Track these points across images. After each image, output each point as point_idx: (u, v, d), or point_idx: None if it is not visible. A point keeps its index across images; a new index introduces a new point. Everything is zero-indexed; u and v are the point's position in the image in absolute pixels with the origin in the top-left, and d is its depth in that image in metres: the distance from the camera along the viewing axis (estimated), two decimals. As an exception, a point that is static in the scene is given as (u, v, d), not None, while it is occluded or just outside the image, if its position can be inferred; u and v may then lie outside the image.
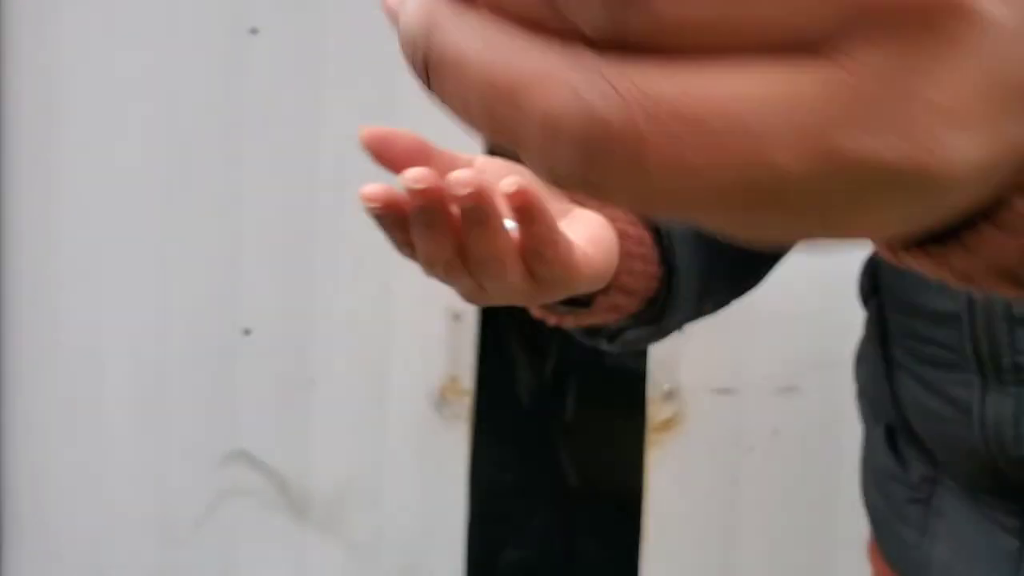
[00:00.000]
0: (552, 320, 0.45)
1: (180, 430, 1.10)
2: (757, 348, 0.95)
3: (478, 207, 0.33)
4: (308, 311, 1.06)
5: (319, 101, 1.04)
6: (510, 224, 0.35)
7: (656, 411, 0.95)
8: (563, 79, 0.10)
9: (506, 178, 0.34)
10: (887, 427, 0.56)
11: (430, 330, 1.02)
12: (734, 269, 0.50)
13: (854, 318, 0.87)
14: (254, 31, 1.04)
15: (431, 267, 0.38)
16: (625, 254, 0.41)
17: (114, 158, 1.09)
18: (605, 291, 0.42)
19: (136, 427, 1.11)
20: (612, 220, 0.41)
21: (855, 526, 0.90)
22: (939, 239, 0.13)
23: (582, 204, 0.41)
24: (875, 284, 0.56)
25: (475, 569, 1.07)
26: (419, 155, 0.38)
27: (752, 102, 0.10)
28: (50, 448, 1.14)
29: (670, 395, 0.94)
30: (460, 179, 0.33)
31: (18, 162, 1.11)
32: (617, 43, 0.10)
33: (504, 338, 1.57)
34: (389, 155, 0.39)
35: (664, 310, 0.45)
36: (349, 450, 1.07)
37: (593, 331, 0.46)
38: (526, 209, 0.34)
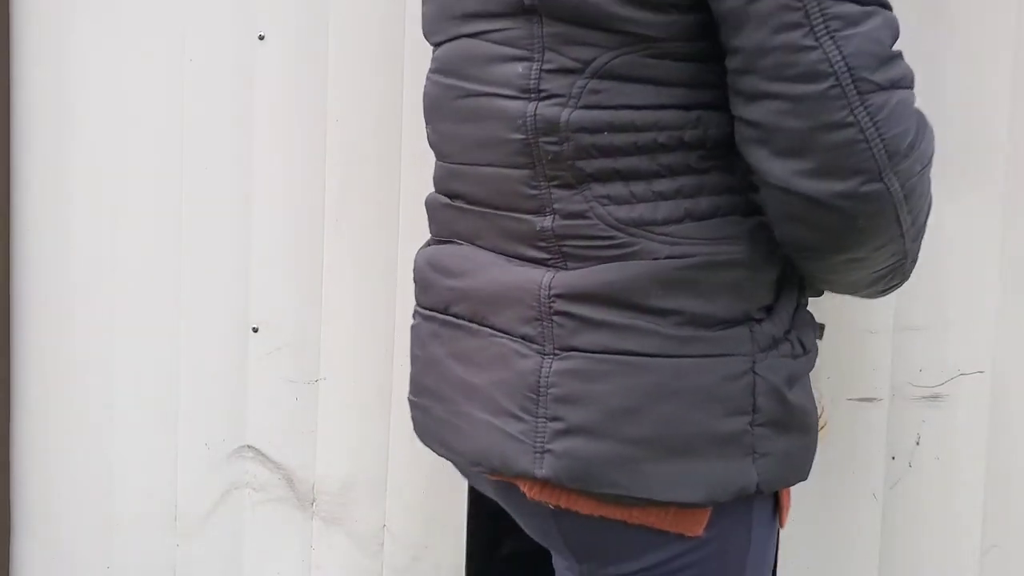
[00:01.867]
0: None
1: (189, 425, 1.07)
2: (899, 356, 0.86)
3: None
4: (315, 309, 1.03)
5: (325, 105, 1.01)
6: None
7: None
8: None
9: None
10: None
11: (433, 329, 1.00)
12: None
13: (999, 326, 0.85)
14: (262, 37, 1.01)
15: None
16: None
17: (125, 161, 1.05)
18: None
19: (146, 422, 1.08)
20: None
21: (1002, 534, 0.87)
22: None
23: None
24: None
25: (477, 560, 1.05)
26: None
27: None
28: (60, 442, 1.10)
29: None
30: None
31: (30, 164, 1.07)
32: None
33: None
34: None
35: None
36: (354, 444, 1.04)
37: None
38: None
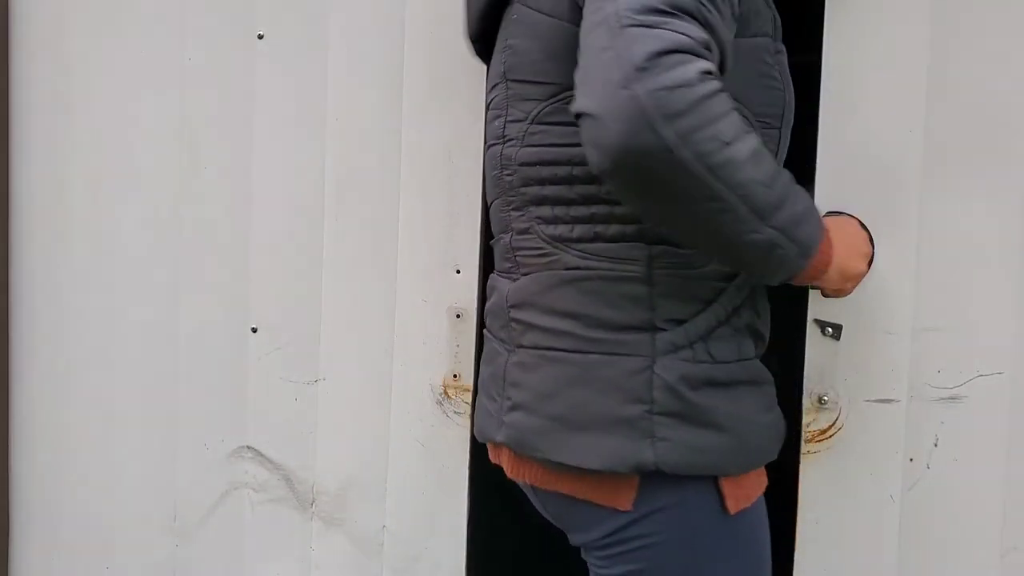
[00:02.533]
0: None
1: (189, 426, 1.03)
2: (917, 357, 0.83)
3: None
4: (314, 310, 0.99)
5: (323, 103, 0.97)
6: None
7: (811, 420, 0.84)
8: None
9: None
10: None
11: (433, 329, 0.95)
12: None
13: (1018, 327, 0.81)
14: (261, 37, 0.97)
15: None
16: None
17: (125, 158, 1.02)
18: None
19: (146, 423, 1.04)
20: None
21: (1022, 536, 0.83)
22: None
23: None
24: None
25: (477, 559, 1.00)
26: None
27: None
28: (60, 442, 1.07)
29: (824, 404, 0.84)
30: None
31: (30, 164, 1.04)
32: None
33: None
34: None
35: None
36: (354, 444, 0.99)
37: None
38: None
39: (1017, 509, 0.84)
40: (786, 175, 0.62)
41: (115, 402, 1.05)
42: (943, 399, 0.84)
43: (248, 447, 1.02)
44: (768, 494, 0.93)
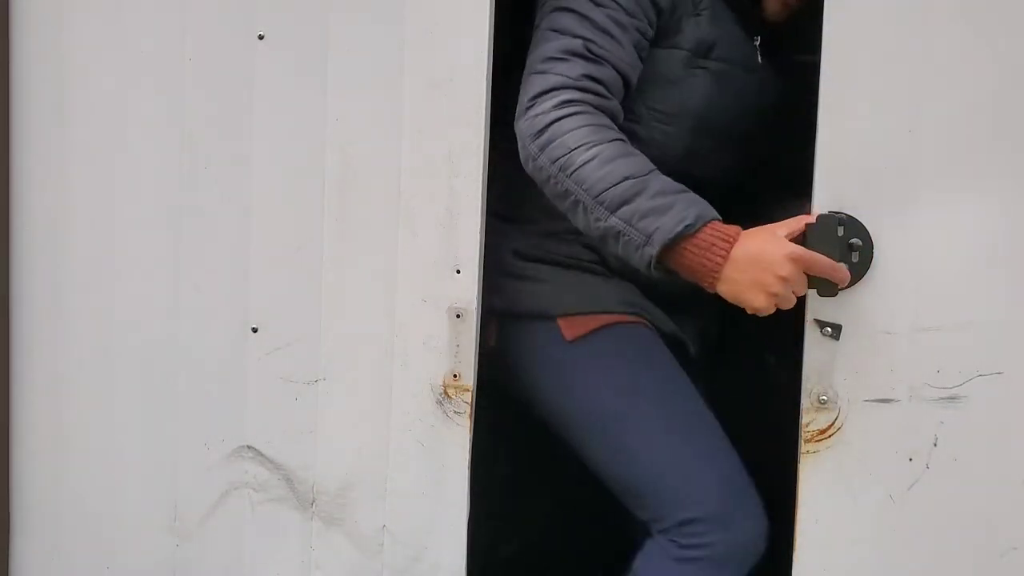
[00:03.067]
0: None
1: (189, 425, 1.02)
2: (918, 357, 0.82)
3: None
4: (315, 310, 0.98)
5: (324, 104, 0.96)
6: None
7: (811, 420, 0.83)
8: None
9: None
10: None
11: (433, 329, 0.95)
12: None
13: (1017, 327, 0.80)
14: (262, 37, 0.96)
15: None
16: None
17: (124, 158, 1.02)
18: None
19: (145, 422, 1.03)
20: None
21: (1021, 536, 0.82)
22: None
23: None
24: None
25: (477, 560, 0.99)
26: None
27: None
28: (60, 443, 1.06)
29: (824, 404, 0.83)
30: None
31: (30, 164, 1.03)
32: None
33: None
34: None
35: None
36: (354, 445, 0.99)
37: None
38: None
39: (1017, 509, 0.83)
40: (654, 181, 0.78)
41: (115, 402, 1.04)
42: (942, 399, 0.83)
43: (248, 447, 1.01)
44: (768, 494, 0.92)
